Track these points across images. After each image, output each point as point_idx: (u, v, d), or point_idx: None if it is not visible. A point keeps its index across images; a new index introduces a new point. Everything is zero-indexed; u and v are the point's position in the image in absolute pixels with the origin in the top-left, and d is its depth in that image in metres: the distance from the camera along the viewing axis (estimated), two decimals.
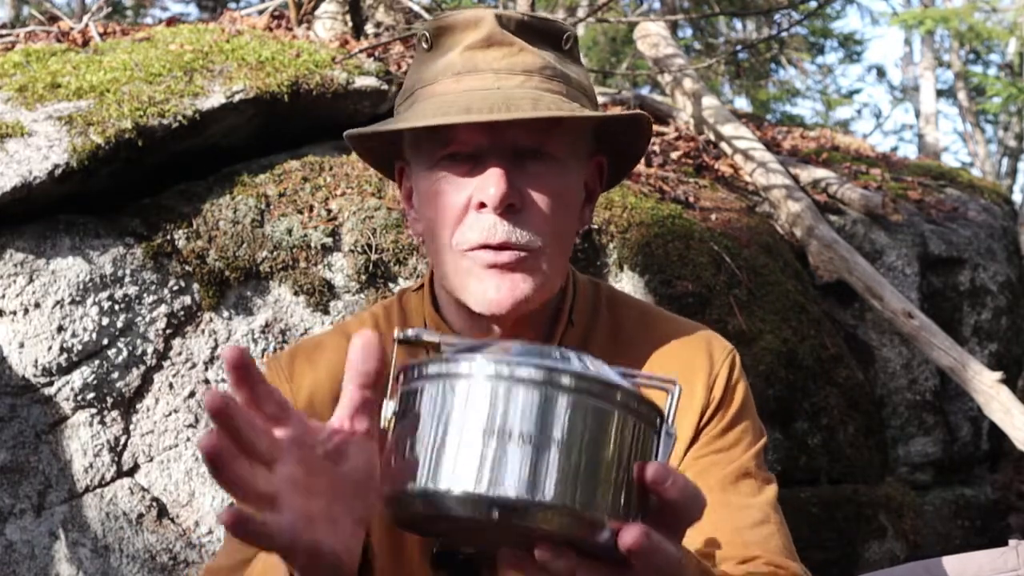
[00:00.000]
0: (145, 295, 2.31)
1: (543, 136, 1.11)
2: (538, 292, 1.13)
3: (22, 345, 2.20)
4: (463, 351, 0.81)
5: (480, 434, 0.75)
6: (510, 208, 1.10)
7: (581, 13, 7.20)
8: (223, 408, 0.75)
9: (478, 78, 1.10)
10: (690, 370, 1.23)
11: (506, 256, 1.10)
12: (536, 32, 1.16)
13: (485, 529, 0.78)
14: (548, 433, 0.74)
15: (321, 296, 2.44)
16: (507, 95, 1.07)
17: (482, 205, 1.10)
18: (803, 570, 1.17)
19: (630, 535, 0.75)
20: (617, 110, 4.30)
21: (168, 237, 2.37)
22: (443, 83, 1.12)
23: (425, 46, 1.17)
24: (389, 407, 0.82)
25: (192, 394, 2.33)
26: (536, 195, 1.12)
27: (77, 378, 2.23)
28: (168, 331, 2.33)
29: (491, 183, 1.08)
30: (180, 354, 2.33)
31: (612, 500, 0.76)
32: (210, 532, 2.31)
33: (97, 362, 2.25)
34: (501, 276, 1.11)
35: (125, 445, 2.29)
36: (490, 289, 1.11)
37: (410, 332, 0.89)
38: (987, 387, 3.03)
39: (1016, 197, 15.14)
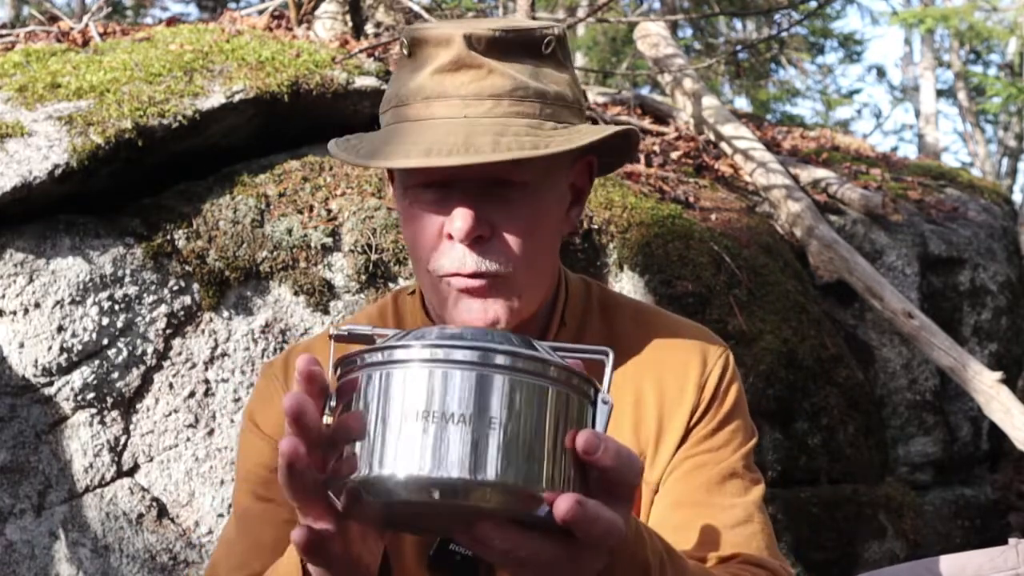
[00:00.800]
0: (145, 295, 2.31)
1: (511, 166, 1.10)
2: (513, 314, 1.14)
3: (22, 345, 2.20)
4: (397, 338, 0.82)
5: (419, 418, 0.76)
6: (479, 239, 1.10)
7: (581, 13, 7.20)
8: (300, 413, 0.77)
9: (445, 105, 1.10)
10: (683, 369, 1.24)
11: (478, 282, 1.11)
12: (510, 46, 1.13)
13: (431, 512, 0.79)
14: (485, 412, 0.76)
15: (321, 296, 2.44)
16: (470, 131, 1.07)
17: (452, 236, 1.11)
18: (784, 568, 1.17)
19: (562, 505, 0.76)
20: (617, 110, 4.30)
21: (168, 237, 2.37)
22: (414, 107, 1.12)
23: (405, 52, 1.17)
24: (329, 401, 0.83)
25: (192, 394, 2.33)
26: (507, 223, 1.12)
27: (77, 378, 2.23)
28: (168, 331, 2.33)
29: (457, 217, 1.09)
30: (180, 354, 2.33)
31: (551, 474, 0.77)
32: (210, 532, 2.31)
33: (97, 362, 2.25)
34: (473, 301, 1.12)
35: (125, 445, 2.29)
36: (464, 313, 1.13)
37: (343, 328, 0.91)
38: (987, 387, 3.03)
39: (1016, 197, 15.14)
